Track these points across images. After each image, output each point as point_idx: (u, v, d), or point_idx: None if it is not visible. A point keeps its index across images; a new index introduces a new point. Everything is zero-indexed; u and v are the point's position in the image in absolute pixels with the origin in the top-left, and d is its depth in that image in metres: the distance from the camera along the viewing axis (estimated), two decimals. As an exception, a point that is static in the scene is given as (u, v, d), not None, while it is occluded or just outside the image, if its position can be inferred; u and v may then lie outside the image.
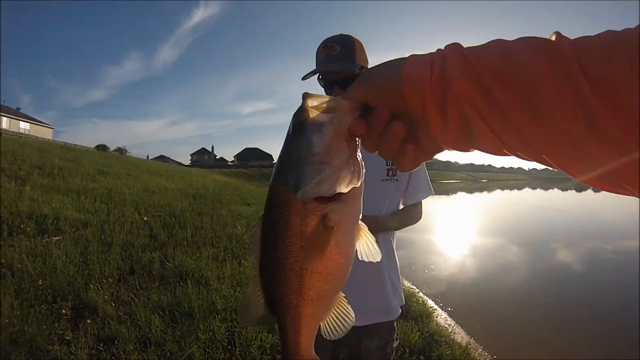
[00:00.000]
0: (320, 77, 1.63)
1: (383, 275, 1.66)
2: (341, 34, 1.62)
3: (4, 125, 40.69)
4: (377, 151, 0.49)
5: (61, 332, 3.35)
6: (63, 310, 3.69)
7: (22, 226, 6.21)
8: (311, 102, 0.48)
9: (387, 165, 1.63)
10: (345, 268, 0.54)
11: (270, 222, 0.52)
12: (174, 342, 3.30)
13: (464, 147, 0.45)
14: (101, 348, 3.16)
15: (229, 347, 3.32)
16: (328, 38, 1.61)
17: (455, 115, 0.42)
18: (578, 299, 6.49)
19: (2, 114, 42.55)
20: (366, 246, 0.55)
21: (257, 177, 47.08)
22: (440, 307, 5.42)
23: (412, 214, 1.74)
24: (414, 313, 4.51)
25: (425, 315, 4.53)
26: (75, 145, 32.22)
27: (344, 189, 0.47)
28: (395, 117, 0.46)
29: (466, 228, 14.40)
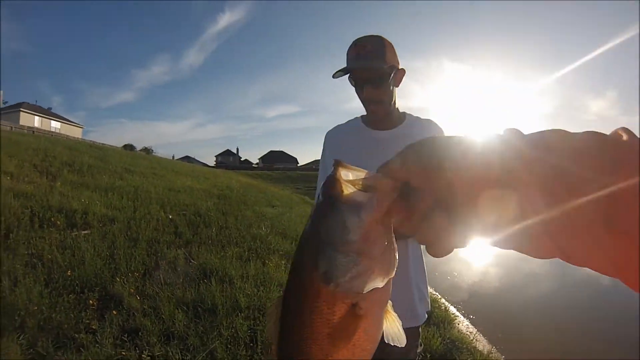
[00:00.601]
0: (350, 76, 1.61)
1: (409, 280, 1.63)
2: (372, 34, 1.60)
3: (36, 124, 42.17)
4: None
5: (87, 321, 3.44)
6: (90, 301, 3.79)
7: (52, 219, 6.39)
8: (345, 174, 0.42)
9: None
10: (372, 353, 0.49)
11: (294, 307, 0.46)
12: (196, 337, 3.35)
13: (511, 247, 0.41)
14: (125, 339, 3.23)
15: (251, 344, 3.35)
16: (359, 38, 1.59)
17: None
18: (602, 310, 6.30)
19: (34, 113, 44.21)
20: (393, 329, 0.50)
21: (281, 180, 47.20)
22: (462, 314, 5.34)
23: None
24: (436, 318, 4.46)
25: (447, 321, 4.48)
26: (103, 144, 33.01)
27: (379, 283, 0.43)
28: (437, 202, 0.40)
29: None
